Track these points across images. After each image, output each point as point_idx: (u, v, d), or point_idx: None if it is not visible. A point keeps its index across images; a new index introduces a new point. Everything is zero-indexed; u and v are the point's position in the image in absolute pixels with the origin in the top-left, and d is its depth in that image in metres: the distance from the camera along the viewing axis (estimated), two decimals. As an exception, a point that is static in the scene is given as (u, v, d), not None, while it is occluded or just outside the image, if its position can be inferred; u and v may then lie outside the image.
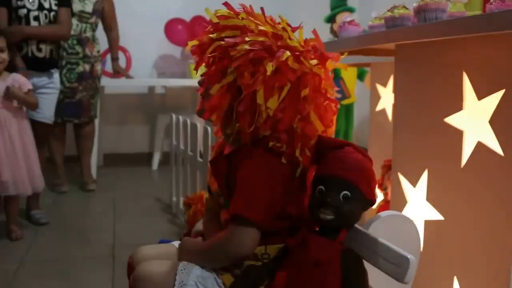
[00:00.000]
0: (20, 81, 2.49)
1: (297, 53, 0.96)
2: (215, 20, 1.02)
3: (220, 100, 0.99)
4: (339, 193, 0.91)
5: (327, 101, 1.02)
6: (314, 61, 0.98)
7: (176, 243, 1.19)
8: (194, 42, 1.04)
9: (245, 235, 0.95)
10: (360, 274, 0.90)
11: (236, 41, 0.96)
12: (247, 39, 0.96)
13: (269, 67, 0.93)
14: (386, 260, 0.89)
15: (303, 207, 0.98)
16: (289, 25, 1.03)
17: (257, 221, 0.95)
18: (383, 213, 0.99)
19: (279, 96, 0.94)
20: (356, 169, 0.92)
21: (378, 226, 0.96)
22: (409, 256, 0.85)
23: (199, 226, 1.45)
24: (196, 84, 1.14)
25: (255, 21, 0.99)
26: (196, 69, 1.07)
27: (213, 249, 1.01)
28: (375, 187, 0.95)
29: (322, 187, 0.92)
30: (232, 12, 1.01)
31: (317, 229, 0.96)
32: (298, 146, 0.98)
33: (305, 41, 1.01)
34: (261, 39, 0.96)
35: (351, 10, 3.56)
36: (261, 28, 0.98)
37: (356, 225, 0.97)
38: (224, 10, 1.02)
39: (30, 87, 2.52)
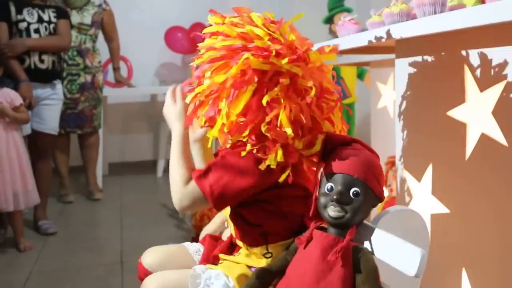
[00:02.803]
0: (11, 95, 2.48)
1: (265, 53, 0.94)
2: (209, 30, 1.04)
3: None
4: (349, 190, 0.91)
5: (313, 100, 0.96)
6: (285, 60, 0.94)
7: (186, 244, 1.20)
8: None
9: (194, 197, 1.01)
10: (371, 270, 0.90)
11: (209, 48, 0.98)
12: (216, 45, 0.97)
13: (233, 70, 0.93)
14: (396, 255, 0.89)
15: (295, 207, 1.00)
16: (274, 22, 1.01)
17: (209, 198, 0.98)
18: (391, 208, 0.99)
19: (242, 99, 0.93)
20: (365, 166, 0.92)
21: (386, 221, 0.96)
22: (419, 250, 0.85)
23: (207, 229, 1.46)
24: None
25: (234, 26, 0.99)
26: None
27: (175, 177, 1.05)
28: (383, 184, 0.95)
29: (331, 184, 0.92)
30: (220, 19, 1.02)
31: (324, 226, 0.96)
32: (274, 150, 0.94)
33: (282, 34, 0.99)
34: (228, 43, 0.96)
35: (348, 11, 3.57)
36: (239, 31, 0.97)
37: (365, 221, 0.97)
38: (214, 17, 1.04)
39: (21, 101, 2.51)
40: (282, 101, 0.93)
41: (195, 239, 2.16)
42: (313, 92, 0.95)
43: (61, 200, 3.50)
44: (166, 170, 4.42)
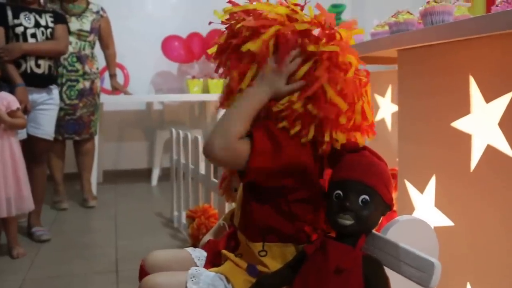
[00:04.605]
0: (8, 99, 2.44)
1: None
2: (225, 17, 1.02)
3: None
4: (358, 198, 0.89)
5: (348, 74, 0.96)
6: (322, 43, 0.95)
7: (189, 249, 1.18)
8: (213, 49, 1.05)
9: (238, 154, 0.95)
10: (382, 280, 0.88)
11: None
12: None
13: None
14: (409, 266, 0.87)
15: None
16: (297, 4, 1.02)
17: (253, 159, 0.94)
18: (401, 217, 0.97)
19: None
20: (374, 173, 0.91)
21: (396, 231, 0.94)
22: (433, 261, 0.83)
23: (208, 237, 1.44)
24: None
25: (266, 4, 0.99)
26: (216, 71, 1.07)
27: (232, 126, 0.96)
28: (392, 191, 0.93)
29: (340, 191, 0.90)
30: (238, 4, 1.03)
31: (332, 235, 0.95)
32: (311, 127, 0.95)
33: (315, 17, 0.99)
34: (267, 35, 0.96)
35: (347, 22, 3.59)
36: (274, 10, 0.98)
37: (374, 231, 0.96)
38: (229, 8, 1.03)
39: (18, 105, 2.48)
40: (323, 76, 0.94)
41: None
42: (354, 67, 0.96)
43: (55, 207, 3.46)
44: (161, 178, 4.41)
